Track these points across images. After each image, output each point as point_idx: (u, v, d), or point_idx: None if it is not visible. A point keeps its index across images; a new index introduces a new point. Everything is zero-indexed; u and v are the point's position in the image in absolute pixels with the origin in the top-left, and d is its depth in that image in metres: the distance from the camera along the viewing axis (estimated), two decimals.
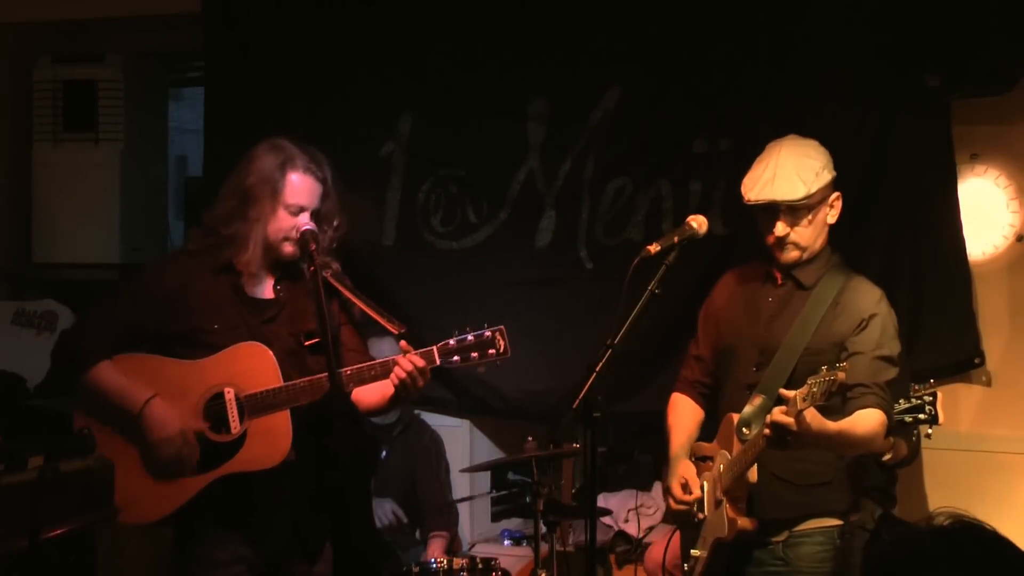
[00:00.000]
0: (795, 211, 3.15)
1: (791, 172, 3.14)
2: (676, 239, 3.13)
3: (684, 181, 4.38)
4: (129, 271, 5.35)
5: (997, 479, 4.17)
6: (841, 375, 2.79)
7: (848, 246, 3.46)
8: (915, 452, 3.95)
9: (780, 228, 3.16)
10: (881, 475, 3.72)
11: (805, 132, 3.35)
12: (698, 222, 3.18)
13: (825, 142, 3.34)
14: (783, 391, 2.90)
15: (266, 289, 3.35)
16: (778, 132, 3.47)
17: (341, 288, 3.34)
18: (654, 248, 3.09)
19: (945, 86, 4.06)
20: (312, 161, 3.34)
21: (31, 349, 5.00)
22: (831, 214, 3.24)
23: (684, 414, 3.46)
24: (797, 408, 2.83)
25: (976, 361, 4.17)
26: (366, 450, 3.45)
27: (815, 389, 2.80)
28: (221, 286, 3.32)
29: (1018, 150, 4.24)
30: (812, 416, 2.86)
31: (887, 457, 3.74)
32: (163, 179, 5.63)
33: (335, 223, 3.40)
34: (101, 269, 5.31)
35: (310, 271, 3.18)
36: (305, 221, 3.29)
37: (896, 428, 3.81)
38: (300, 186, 3.30)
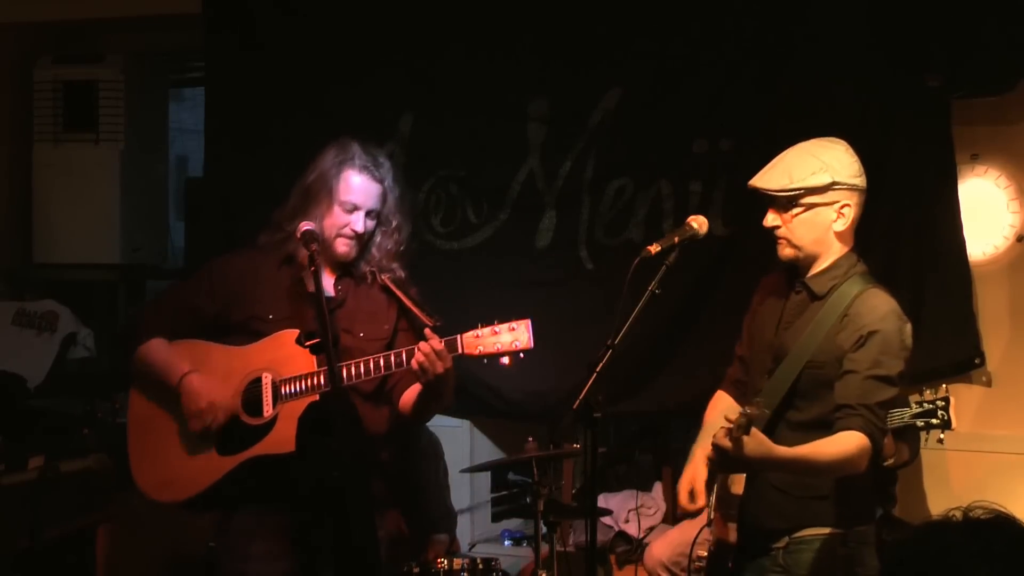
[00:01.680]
0: (782, 204, 3.05)
1: (787, 165, 3.06)
2: (676, 239, 3.10)
3: (684, 181, 4.38)
4: (129, 271, 5.37)
5: (997, 479, 4.17)
6: (753, 410, 2.71)
7: None
8: (915, 454, 3.95)
9: (769, 219, 3.08)
10: (880, 475, 3.70)
11: (804, 132, 3.31)
12: (698, 222, 3.16)
13: None
14: (726, 416, 2.87)
15: (327, 286, 3.39)
16: (778, 132, 3.46)
17: (395, 290, 3.40)
18: (654, 248, 3.06)
19: (945, 86, 4.06)
20: (372, 162, 3.39)
21: (31, 349, 5.00)
22: (839, 222, 3.06)
23: (718, 411, 3.36)
24: (734, 434, 2.74)
25: (976, 361, 4.16)
26: (366, 450, 3.44)
27: (742, 420, 2.72)
28: (283, 279, 3.41)
29: (1018, 150, 4.24)
30: (756, 443, 2.77)
31: (889, 461, 3.74)
32: (163, 179, 5.63)
33: (396, 225, 3.45)
34: (101, 269, 5.31)
35: (311, 271, 3.20)
36: (358, 220, 3.35)
37: (903, 432, 3.81)
38: (355, 184, 3.35)
